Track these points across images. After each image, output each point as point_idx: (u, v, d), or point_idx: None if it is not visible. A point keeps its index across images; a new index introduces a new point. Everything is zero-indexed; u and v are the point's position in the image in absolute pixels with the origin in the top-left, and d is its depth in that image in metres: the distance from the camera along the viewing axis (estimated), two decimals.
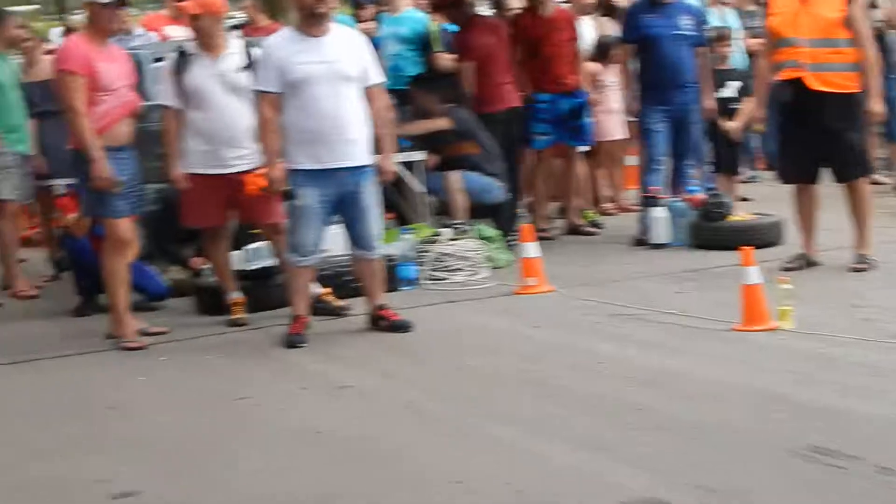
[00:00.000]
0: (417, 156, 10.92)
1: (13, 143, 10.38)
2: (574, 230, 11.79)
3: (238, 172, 8.65)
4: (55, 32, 15.80)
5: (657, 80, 11.11)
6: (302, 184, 8.17)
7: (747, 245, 7.98)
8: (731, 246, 9.84)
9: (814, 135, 9.20)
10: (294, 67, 8.09)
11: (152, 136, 10.96)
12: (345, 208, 8.32)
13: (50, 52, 11.89)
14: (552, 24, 11.52)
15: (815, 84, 9.14)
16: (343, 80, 8.15)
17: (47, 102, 10.81)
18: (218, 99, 8.65)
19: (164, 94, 8.78)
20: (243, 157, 8.65)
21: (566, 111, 11.59)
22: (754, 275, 7.69)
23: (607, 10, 13.18)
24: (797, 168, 9.45)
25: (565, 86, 11.55)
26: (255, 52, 8.84)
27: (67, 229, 9.40)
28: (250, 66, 8.70)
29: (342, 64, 8.16)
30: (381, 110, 8.36)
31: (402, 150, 10.53)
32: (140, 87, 9.29)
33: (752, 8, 14.22)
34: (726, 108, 11.78)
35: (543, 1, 11.59)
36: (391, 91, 9.52)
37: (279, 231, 8.59)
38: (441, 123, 11.07)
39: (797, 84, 9.19)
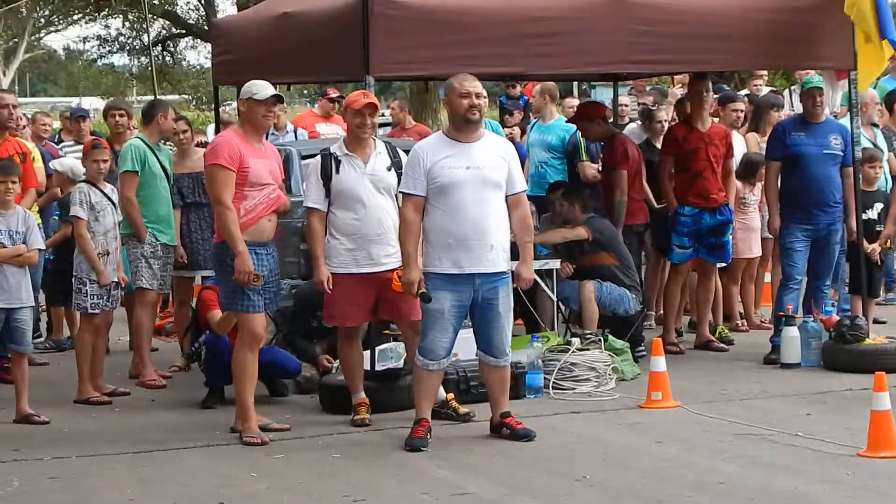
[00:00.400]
0: (553, 263, 10.94)
1: (158, 233, 10.59)
2: (705, 345, 11.69)
3: (387, 270, 8.74)
4: (210, 128, 16.21)
5: (802, 198, 11.02)
6: (438, 287, 8.25)
7: (880, 369, 7.90)
8: (863, 369, 9.77)
9: None
10: (442, 172, 8.22)
11: (294, 232, 11.22)
12: (478, 313, 8.36)
13: (202, 144, 12.21)
14: (707, 138, 11.51)
15: None
16: (489, 187, 8.26)
17: (196, 195, 11.08)
18: (369, 199, 8.74)
19: (311, 196, 8.83)
20: (391, 255, 8.73)
21: (709, 227, 11.53)
22: (885, 400, 7.61)
23: (756, 125, 13.14)
24: None
25: (712, 201, 11.47)
26: (401, 152, 9.03)
27: (210, 325, 9.51)
28: (396, 165, 8.86)
29: (489, 171, 8.28)
30: (523, 218, 8.43)
31: (538, 257, 10.58)
32: (287, 183, 9.49)
33: None
34: (869, 230, 11.64)
35: (702, 115, 11.61)
36: (531, 198, 9.60)
37: (416, 331, 8.59)
38: (580, 233, 11.09)
39: None
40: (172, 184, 10.86)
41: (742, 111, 13.09)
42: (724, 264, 12.11)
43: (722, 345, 11.69)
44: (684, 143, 11.52)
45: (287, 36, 10.55)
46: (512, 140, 13.79)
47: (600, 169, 12.34)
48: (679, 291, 11.82)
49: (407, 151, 8.99)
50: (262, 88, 8.63)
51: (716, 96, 12.84)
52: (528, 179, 9.84)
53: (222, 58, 11.90)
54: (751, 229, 12.49)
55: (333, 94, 16.02)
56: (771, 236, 11.88)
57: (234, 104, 11.18)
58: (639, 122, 13.42)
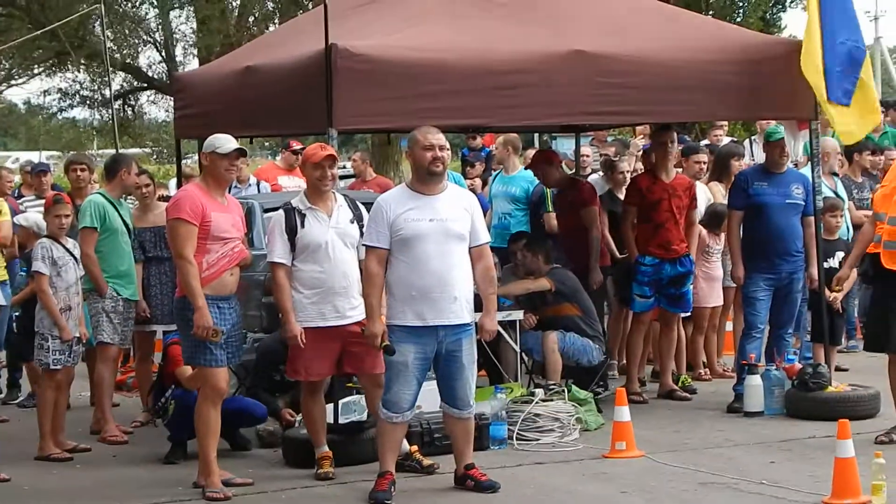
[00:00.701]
0: (517, 315, 10.95)
1: (119, 288, 10.54)
2: (668, 394, 11.71)
3: (352, 323, 8.72)
4: (172, 182, 16.17)
5: (764, 248, 11.07)
6: (402, 340, 8.25)
7: (843, 417, 7.95)
8: (827, 416, 9.81)
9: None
10: (406, 224, 8.24)
11: (256, 285, 11.18)
12: (442, 365, 8.37)
13: (164, 198, 12.17)
14: (671, 189, 11.57)
15: (886, 262, 9.42)
16: (453, 239, 8.30)
17: (158, 249, 11.03)
18: (334, 252, 8.73)
19: (276, 251, 8.77)
20: (356, 307, 8.72)
21: (669, 277, 11.58)
22: (848, 448, 7.64)
23: (719, 175, 13.21)
24: (883, 336, 9.51)
25: (673, 252, 11.53)
26: (360, 205, 9.04)
27: (178, 379, 9.45)
28: (358, 218, 8.88)
29: (453, 223, 8.31)
30: (487, 270, 8.45)
31: (500, 308, 10.58)
32: (249, 237, 9.48)
33: (860, 180, 14.19)
34: (831, 279, 11.69)
35: (666, 166, 11.67)
36: (494, 249, 9.62)
37: (380, 384, 8.58)
38: (543, 283, 11.12)
39: (875, 258, 9.51)
40: (134, 238, 10.82)
41: (705, 163, 13.18)
42: (687, 314, 12.16)
43: (685, 394, 11.71)
44: (648, 193, 11.58)
45: (250, 89, 10.57)
46: (474, 192, 13.84)
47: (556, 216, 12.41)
48: (641, 341, 11.85)
49: (366, 204, 9.03)
50: (224, 142, 8.64)
51: (679, 147, 12.93)
52: (490, 231, 9.85)
53: (184, 111, 11.91)
54: (713, 278, 12.56)
55: (296, 146, 16.03)
56: (734, 285, 11.93)
57: (196, 157, 11.20)
58: (601, 173, 13.47)
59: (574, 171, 13.39)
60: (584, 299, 11.23)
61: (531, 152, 15.50)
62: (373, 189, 14.75)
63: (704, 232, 12.37)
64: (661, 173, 11.65)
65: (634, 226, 11.69)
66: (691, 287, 11.83)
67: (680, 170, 12.69)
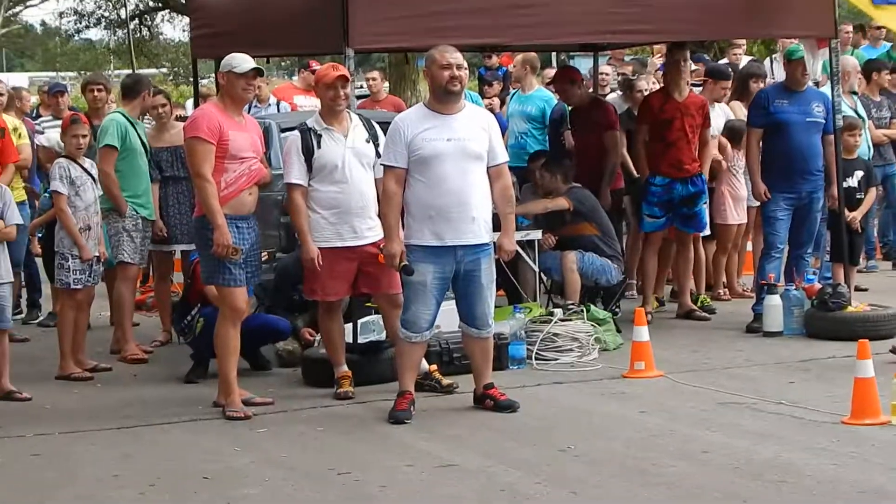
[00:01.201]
0: (535, 235, 10.91)
1: (139, 208, 10.51)
2: (687, 314, 11.68)
3: (370, 243, 8.71)
4: (189, 103, 16.11)
5: (784, 166, 11.00)
6: (420, 260, 8.20)
7: (863, 337, 7.93)
8: (846, 337, 9.78)
9: None
10: (424, 144, 8.16)
11: (274, 205, 11.16)
12: (460, 285, 8.32)
13: (181, 118, 12.12)
14: (684, 108, 11.47)
15: None
16: (471, 159, 8.22)
17: (175, 168, 11.01)
18: (351, 172, 8.69)
19: (292, 172, 8.73)
20: (373, 227, 8.70)
21: (681, 197, 11.50)
22: (868, 368, 7.61)
23: (740, 94, 13.09)
24: None
25: (684, 171, 11.45)
26: (375, 125, 8.98)
27: (208, 297, 9.40)
28: (373, 137, 8.83)
29: (471, 142, 8.23)
30: (505, 189, 8.36)
31: (519, 228, 10.55)
32: (267, 156, 9.42)
33: (878, 99, 14.06)
34: (850, 198, 11.62)
35: (679, 84, 11.57)
36: (512, 169, 9.56)
37: (397, 304, 8.56)
38: (561, 203, 11.08)
39: None
40: (150, 158, 10.78)
41: (729, 89, 13.02)
42: (708, 233, 12.11)
43: (704, 314, 11.68)
44: (660, 112, 11.49)
45: (266, 8, 10.50)
46: (492, 111, 13.75)
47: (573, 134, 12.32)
48: (654, 260, 11.78)
49: (381, 124, 8.96)
50: (241, 62, 8.57)
51: (695, 67, 12.80)
52: (507, 150, 9.77)
53: (200, 31, 11.82)
54: (738, 197, 12.44)
55: (315, 65, 15.91)
56: (756, 204, 11.84)
57: (214, 77, 11.11)
58: (619, 93, 13.38)
59: (592, 90, 13.27)
60: (603, 219, 11.19)
61: (550, 72, 15.41)
62: (385, 108, 14.68)
63: (730, 147, 12.29)
64: (673, 92, 11.55)
65: (646, 144, 11.62)
66: (705, 206, 11.75)
67: (699, 89, 12.59)
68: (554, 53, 20.69)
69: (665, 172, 11.45)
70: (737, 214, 12.47)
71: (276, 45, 10.86)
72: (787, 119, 11.01)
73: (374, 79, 16.02)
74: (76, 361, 9.90)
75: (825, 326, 10.45)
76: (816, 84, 11.98)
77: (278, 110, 15.30)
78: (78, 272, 9.78)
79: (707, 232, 12.16)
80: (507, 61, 17.03)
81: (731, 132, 12.35)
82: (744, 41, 16.16)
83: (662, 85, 12.16)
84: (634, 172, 12.08)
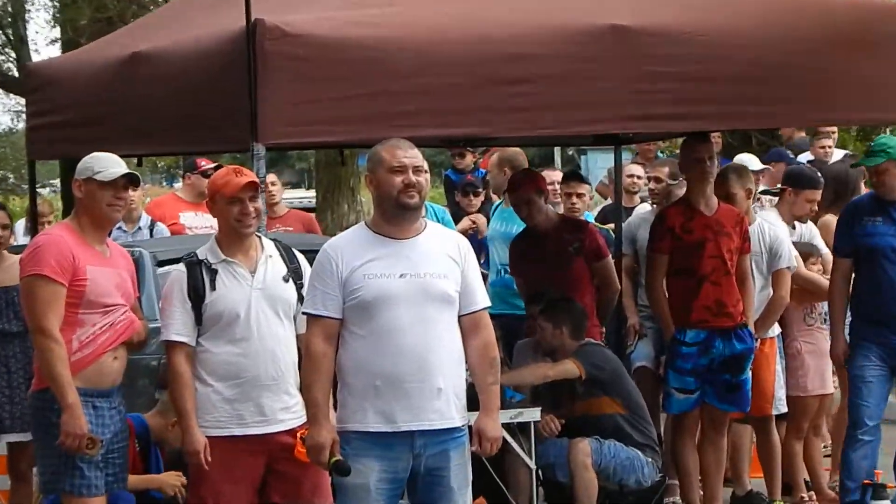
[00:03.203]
0: (531, 415, 10.96)
1: None
2: None
3: (284, 431, 8.75)
4: (20, 225, 16.15)
5: (876, 308, 11.24)
6: (361, 453, 8.22)
7: None
8: None
9: None
10: (366, 282, 8.19)
11: (147, 374, 11.19)
12: (419, 489, 8.34)
13: (16, 248, 12.12)
14: (716, 225, 11.51)
15: None
16: (435, 303, 8.26)
17: (4, 320, 11.05)
18: (258, 326, 8.73)
19: (173, 325, 8.75)
20: (290, 407, 8.77)
21: (723, 357, 11.46)
22: None
23: (834, 205, 13.13)
24: None
25: (726, 317, 11.45)
26: (298, 255, 9.05)
27: None
28: (295, 273, 8.92)
29: (435, 279, 8.27)
30: (485, 348, 8.39)
31: (508, 405, 10.62)
32: (139, 302, 9.45)
33: None
34: None
35: (704, 191, 11.60)
36: (497, 317, 9.66)
37: None
38: (569, 369, 11.12)
39: None
40: None
41: (814, 202, 12.99)
42: (783, 411, 12.12)
43: None
44: (684, 233, 11.52)
45: (138, 86, 10.54)
46: (473, 236, 13.90)
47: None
48: (694, 454, 11.74)
49: (307, 252, 9.06)
50: (108, 165, 8.69)
51: (761, 167, 12.95)
52: (488, 290, 9.83)
53: (42, 119, 11.84)
54: (820, 353, 12.43)
55: (207, 165, 15.96)
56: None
57: (59, 186, 11.22)
58: (650, 203, 13.51)
59: (613, 198, 13.43)
60: (630, 390, 11.26)
61: (550, 174, 15.40)
62: (289, 227, 14.73)
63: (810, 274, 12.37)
64: (698, 203, 11.61)
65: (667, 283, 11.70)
66: (750, 373, 11.70)
67: (768, 199, 12.71)
68: (558, 148, 20.87)
69: (698, 322, 11.47)
70: (820, 380, 12.48)
71: (153, 139, 10.82)
72: (880, 244, 11.24)
73: (272, 184, 16.01)
74: None
75: None
76: None
77: (151, 234, 15.33)
78: None
79: (783, 409, 12.20)
80: (485, 164, 17.15)
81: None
82: (834, 129, 16.41)
83: (683, 196, 12.08)
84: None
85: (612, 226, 13.87)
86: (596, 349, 11.30)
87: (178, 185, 18.86)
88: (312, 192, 25.12)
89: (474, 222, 15.41)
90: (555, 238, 12.11)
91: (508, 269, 13.15)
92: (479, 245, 13.62)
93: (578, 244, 12.04)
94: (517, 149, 14.12)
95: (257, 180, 8.97)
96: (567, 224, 12.43)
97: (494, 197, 15.28)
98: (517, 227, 13.12)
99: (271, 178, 16.16)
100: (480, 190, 16.22)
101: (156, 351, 10.02)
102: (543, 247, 12.18)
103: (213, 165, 15.57)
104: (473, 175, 17.10)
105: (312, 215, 16.12)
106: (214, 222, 9.17)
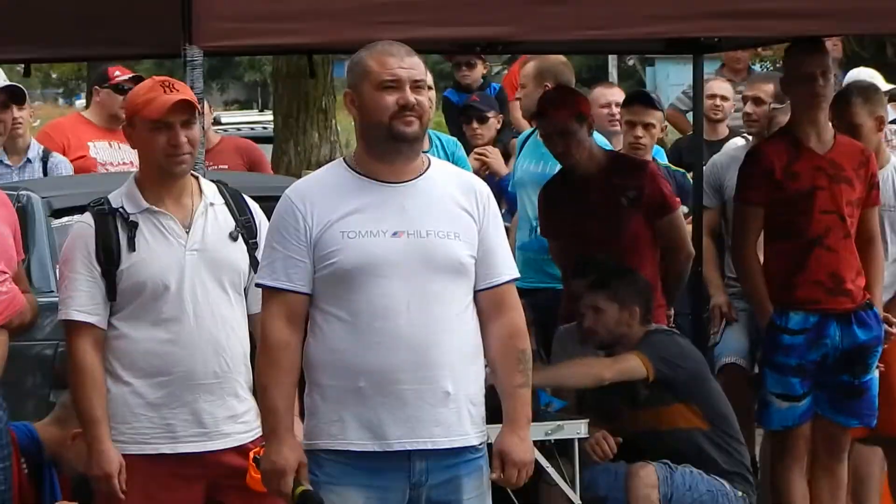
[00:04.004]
0: (575, 430, 10.99)
1: None
2: None
3: (231, 449, 8.83)
4: None
5: None
6: (338, 480, 8.24)
7: None
8: None
9: None
10: (345, 244, 8.11)
11: (37, 365, 11.23)
12: None
13: None
14: (832, 167, 11.54)
15: None
16: (442, 274, 8.20)
17: None
18: (195, 301, 8.76)
19: (75, 298, 8.76)
20: (240, 417, 8.85)
21: (840, 351, 11.52)
22: None
23: None
24: None
25: (844, 295, 11.51)
26: (250, 202, 9.08)
27: None
28: (246, 229, 8.95)
29: (443, 241, 8.20)
30: (511, 335, 8.34)
31: (543, 416, 10.63)
32: (26, 266, 9.52)
33: None
34: None
35: (816, 120, 11.61)
36: (526, 292, 9.65)
37: None
38: (632, 367, 11.11)
39: None
40: None
41: None
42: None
43: None
44: (786, 178, 11.56)
45: None
46: (487, 177, 13.93)
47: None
48: (801, 483, 11.82)
49: (261, 201, 9.06)
50: None
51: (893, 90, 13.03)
52: (515, 254, 9.83)
53: None
54: None
55: (121, 76, 15.99)
56: None
57: None
58: (745, 135, 13.56)
59: (693, 127, 13.50)
60: (714, 396, 11.28)
61: (603, 92, 15.42)
62: (227, 165, 14.76)
63: None
64: (807, 136, 11.65)
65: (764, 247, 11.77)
66: (877, 374, 11.76)
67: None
68: (611, 57, 21.01)
69: (805, 301, 11.52)
70: None
71: (52, 39, 11.00)
72: None
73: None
74: None
75: None
76: None
77: (45, 172, 15.35)
78: None
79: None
80: (512, 77, 17.16)
81: None
82: None
83: (785, 125, 12.08)
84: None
85: (688, 170, 13.89)
86: (668, 339, 11.30)
87: (81, 102, 18.91)
88: (269, 116, 25.20)
89: (484, 157, 15.35)
90: (601, 184, 12.11)
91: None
92: (498, 190, 13.55)
93: (634, 193, 12.02)
94: (562, 57, 14.08)
95: (193, 98, 8.89)
96: (618, 164, 12.42)
97: (524, 123, 15.24)
98: (554, 166, 13.13)
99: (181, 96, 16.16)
100: (489, 115, 16.17)
101: (50, 335, 10.09)
102: (585, 197, 12.17)
103: (129, 76, 15.61)
104: (481, 93, 17.10)
105: (266, 147, 16.05)
106: (134, 157, 9.15)
